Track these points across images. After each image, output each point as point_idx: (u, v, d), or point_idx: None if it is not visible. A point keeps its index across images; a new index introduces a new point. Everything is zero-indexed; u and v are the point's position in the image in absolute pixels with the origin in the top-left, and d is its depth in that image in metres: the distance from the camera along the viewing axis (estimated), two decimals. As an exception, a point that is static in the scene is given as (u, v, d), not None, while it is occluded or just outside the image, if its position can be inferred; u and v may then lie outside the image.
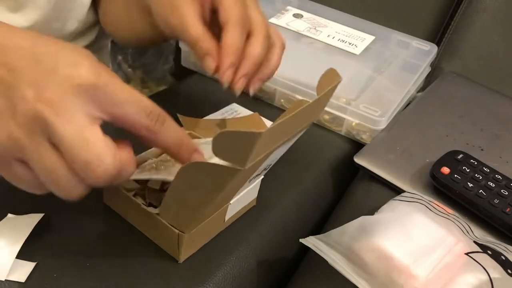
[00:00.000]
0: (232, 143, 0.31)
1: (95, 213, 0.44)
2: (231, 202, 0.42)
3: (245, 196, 0.44)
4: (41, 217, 0.40)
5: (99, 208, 0.45)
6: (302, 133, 0.40)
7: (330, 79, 0.37)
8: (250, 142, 0.30)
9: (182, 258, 0.41)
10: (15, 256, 0.38)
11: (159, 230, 0.41)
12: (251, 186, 0.44)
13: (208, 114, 0.59)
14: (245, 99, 0.66)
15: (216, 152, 0.31)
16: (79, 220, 0.43)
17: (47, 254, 0.40)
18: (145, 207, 0.41)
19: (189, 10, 0.43)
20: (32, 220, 0.40)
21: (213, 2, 0.44)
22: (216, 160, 0.32)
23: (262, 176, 0.45)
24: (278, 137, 0.35)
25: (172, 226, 0.39)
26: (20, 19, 0.58)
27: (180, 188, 0.36)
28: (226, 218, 0.44)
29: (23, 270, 0.38)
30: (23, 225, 0.40)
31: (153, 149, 0.46)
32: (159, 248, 0.42)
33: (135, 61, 0.85)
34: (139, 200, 0.42)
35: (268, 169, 0.42)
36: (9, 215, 0.41)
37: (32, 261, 0.39)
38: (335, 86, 0.37)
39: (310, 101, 0.35)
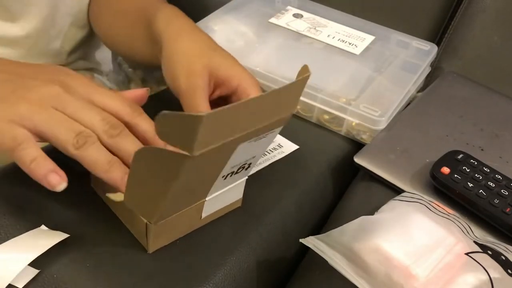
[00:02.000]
0: (176, 126, 0.30)
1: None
2: (206, 199, 0.42)
3: (225, 195, 0.44)
4: (65, 237, 0.40)
5: (73, 212, 0.44)
6: (276, 131, 0.39)
7: (302, 75, 0.37)
8: (193, 125, 0.30)
9: (151, 248, 0.41)
10: (27, 264, 0.38)
11: (131, 217, 0.41)
12: (231, 186, 0.43)
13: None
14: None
15: (161, 135, 0.31)
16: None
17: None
18: (113, 196, 0.41)
19: (203, 86, 0.46)
20: (57, 237, 0.40)
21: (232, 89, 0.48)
22: None
23: (246, 177, 0.44)
24: (237, 127, 0.34)
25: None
26: (16, 28, 0.59)
27: (138, 173, 0.35)
28: (203, 215, 0.44)
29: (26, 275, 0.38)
30: (49, 238, 0.40)
31: None
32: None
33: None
34: None
35: (247, 168, 0.42)
36: (43, 226, 0.42)
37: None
38: (303, 80, 0.37)
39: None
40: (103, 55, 0.81)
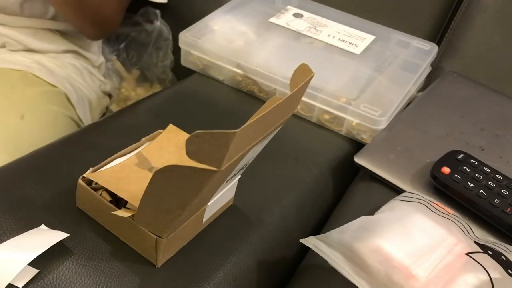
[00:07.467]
0: (207, 144, 0.30)
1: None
2: (208, 204, 0.42)
3: (223, 196, 0.44)
4: (65, 236, 0.40)
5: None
6: (279, 129, 0.39)
7: (303, 74, 0.37)
8: (225, 142, 0.30)
9: (159, 262, 0.41)
10: (27, 263, 0.37)
11: (135, 234, 0.40)
12: (228, 186, 0.44)
13: (205, 114, 0.58)
14: (245, 99, 0.65)
15: (191, 154, 0.30)
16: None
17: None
18: (120, 212, 0.39)
19: None
20: (57, 236, 0.40)
21: None
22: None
23: (240, 176, 0.45)
24: (254, 135, 0.34)
25: (149, 231, 0.39)
26: None
27: (155, 193, 0.34)
28: (204, 220, 0.44)
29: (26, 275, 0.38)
30: (48, 238, 0.40)
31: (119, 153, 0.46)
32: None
33: (132, 58, 0.85)
34: (106, 196, 0.41)
35: (245, 168, 0.42)
36: (43, 226, 0.42)
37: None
38: (308, 81, 0.37)
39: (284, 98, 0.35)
40: (93, 45, 0.81)
